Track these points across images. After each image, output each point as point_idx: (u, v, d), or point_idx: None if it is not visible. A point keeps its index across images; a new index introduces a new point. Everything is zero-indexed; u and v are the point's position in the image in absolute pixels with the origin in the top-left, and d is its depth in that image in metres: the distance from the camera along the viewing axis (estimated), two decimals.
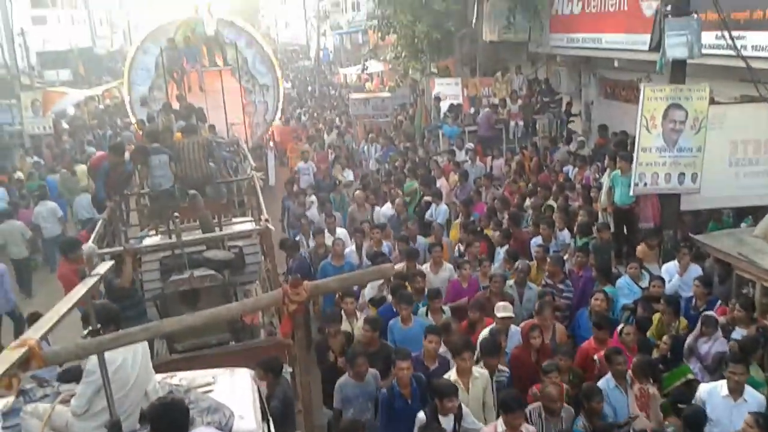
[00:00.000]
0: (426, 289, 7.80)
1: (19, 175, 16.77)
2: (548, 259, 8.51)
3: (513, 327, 6.87)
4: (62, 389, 4.42)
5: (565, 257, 8.82)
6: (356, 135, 20.69)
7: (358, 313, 7.58)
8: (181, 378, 4.69)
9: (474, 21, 17.61)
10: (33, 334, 3.16)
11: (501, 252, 9.29)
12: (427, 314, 7.33)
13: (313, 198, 12.32)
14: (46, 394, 4.37)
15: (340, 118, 24.47)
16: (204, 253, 7.69)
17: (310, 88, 38.59)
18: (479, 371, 5.96)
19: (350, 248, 9.61)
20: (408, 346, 6.34)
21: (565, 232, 9.46)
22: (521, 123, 15.83)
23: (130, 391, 4.08)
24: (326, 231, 10.19)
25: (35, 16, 36.83)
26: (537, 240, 9.29)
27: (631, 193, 9.14)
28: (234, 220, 10.15)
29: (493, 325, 6.83)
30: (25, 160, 18.24)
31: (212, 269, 7.26)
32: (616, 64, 13.68)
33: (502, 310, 6.81)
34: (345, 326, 7.26)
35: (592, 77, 15.82)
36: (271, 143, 19.63)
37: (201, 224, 8.80)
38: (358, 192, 11.91)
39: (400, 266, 8.26)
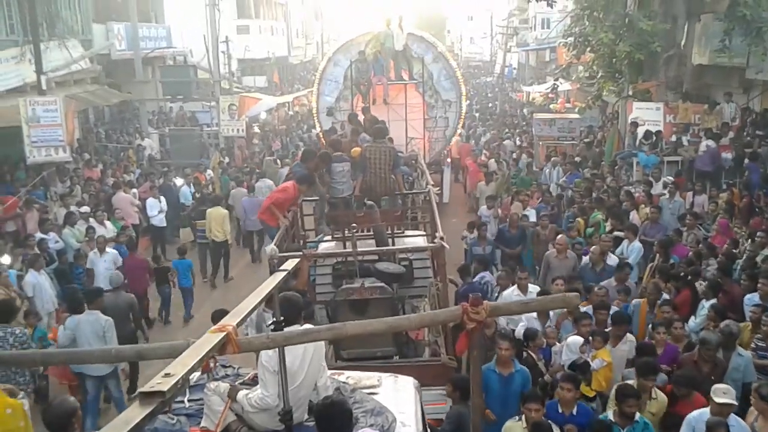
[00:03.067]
0: None
1: (210, 174, 17.82)
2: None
3: (733, 418, 5.43)
4: (242, 371, 4.70)
5: None
6: (538, 157, 19.73)
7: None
8: (348, 376, 4.86)
9: (683, 42, 16.00)
10: (231, 320, 3.38)
11: (705, 306, 8.07)
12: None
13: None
14: (227, 374, 4.64)
15: (520, 138, 23.61)
16: (376, 264, 7.89)
17: (491, 105, 37.99)
18: None
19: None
20: None
21: None
22: (730, 156, 14.04)
23: (302, 383, 4.19)
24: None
25: (240, 25, 39.66)
26: (753, 297, 7.90)
27: None
28: (406, 232, 10.05)
29: (704, 410, 5.55)
30: (218, 160, 19.40)
31: (382, 281, 7.44)
32: None
33: (722, 394, 5.46)
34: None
35: None
36: (449, 159, 19.28)
37: (375, 235, 8.86)
38: (560, 237, 10.14)
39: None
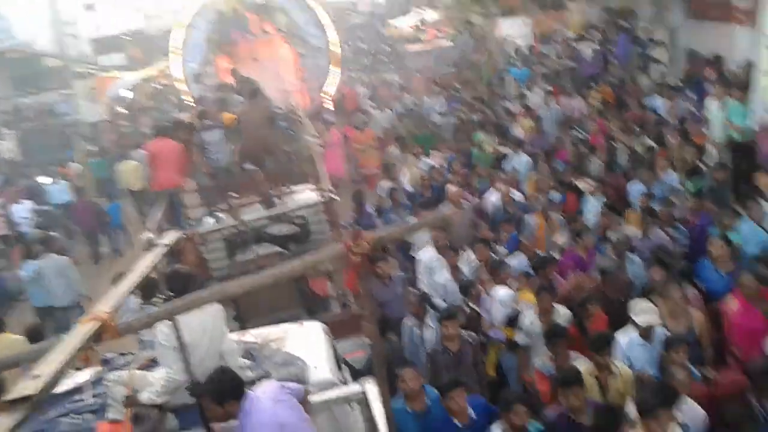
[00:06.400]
0: None
1: (78, 166, 16.66)
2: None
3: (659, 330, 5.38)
4: (141, 355, 4.55)
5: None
6: (417, 92, 19.47)
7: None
8: (255, 335, 4.80)
9: None
10: (104, 306, 3.28)
11: (591, 199, 8.26)
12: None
13: None
14: (128, 361, 4.50)
15: (399, 75, 23.20)
16: (267, 228, 7.84)
17: (365, 46, 37.28)
18: None
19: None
20: None
21: (671, 174, 8.24)
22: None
23: (206, 353, 4.09)
24: None
25: (86, 3, 36.93)
26: (637, 186, 8.16)
27: (757, 125, 7.85)
28: (293, 188, 9.46)
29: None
30: (84, 152, 18.06)
31: (277, 245, 7.44)
32: None
33: (641, 312, 5.39)
34: None
35: None
36: (330, 107, 18.77)
37: (262, 200, 8.58)
38: (450, 188, 8.92)
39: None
